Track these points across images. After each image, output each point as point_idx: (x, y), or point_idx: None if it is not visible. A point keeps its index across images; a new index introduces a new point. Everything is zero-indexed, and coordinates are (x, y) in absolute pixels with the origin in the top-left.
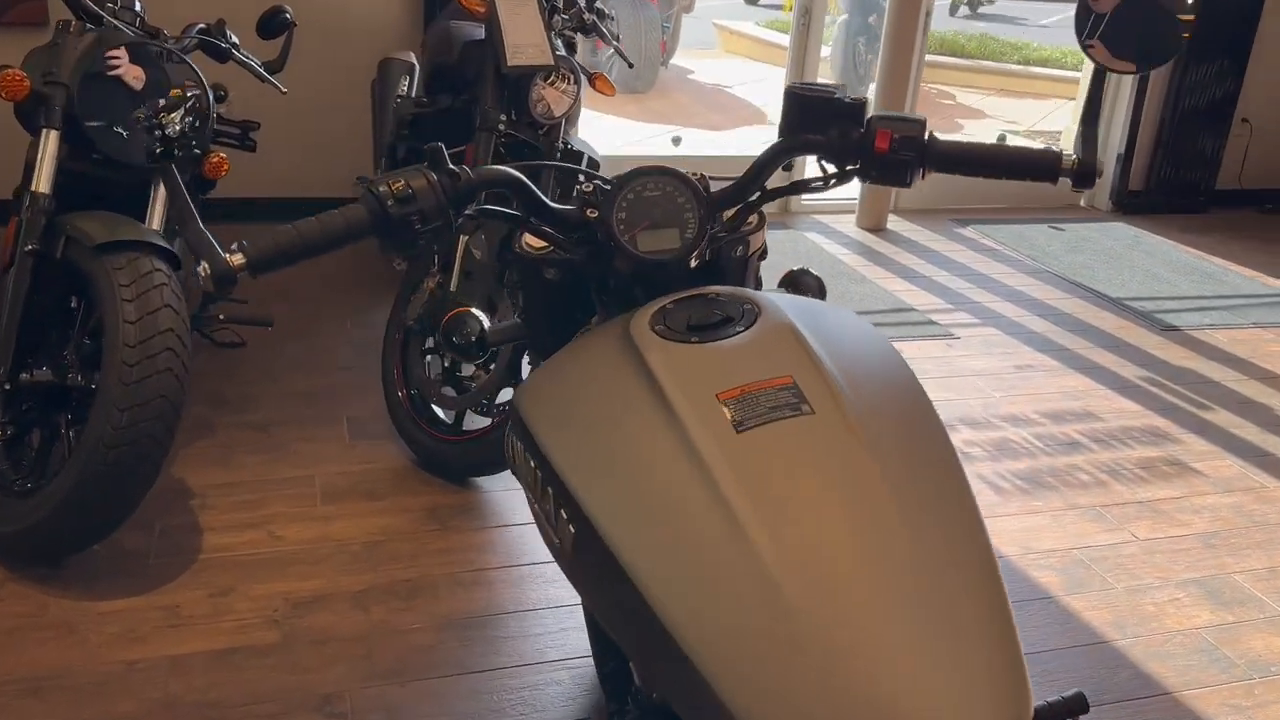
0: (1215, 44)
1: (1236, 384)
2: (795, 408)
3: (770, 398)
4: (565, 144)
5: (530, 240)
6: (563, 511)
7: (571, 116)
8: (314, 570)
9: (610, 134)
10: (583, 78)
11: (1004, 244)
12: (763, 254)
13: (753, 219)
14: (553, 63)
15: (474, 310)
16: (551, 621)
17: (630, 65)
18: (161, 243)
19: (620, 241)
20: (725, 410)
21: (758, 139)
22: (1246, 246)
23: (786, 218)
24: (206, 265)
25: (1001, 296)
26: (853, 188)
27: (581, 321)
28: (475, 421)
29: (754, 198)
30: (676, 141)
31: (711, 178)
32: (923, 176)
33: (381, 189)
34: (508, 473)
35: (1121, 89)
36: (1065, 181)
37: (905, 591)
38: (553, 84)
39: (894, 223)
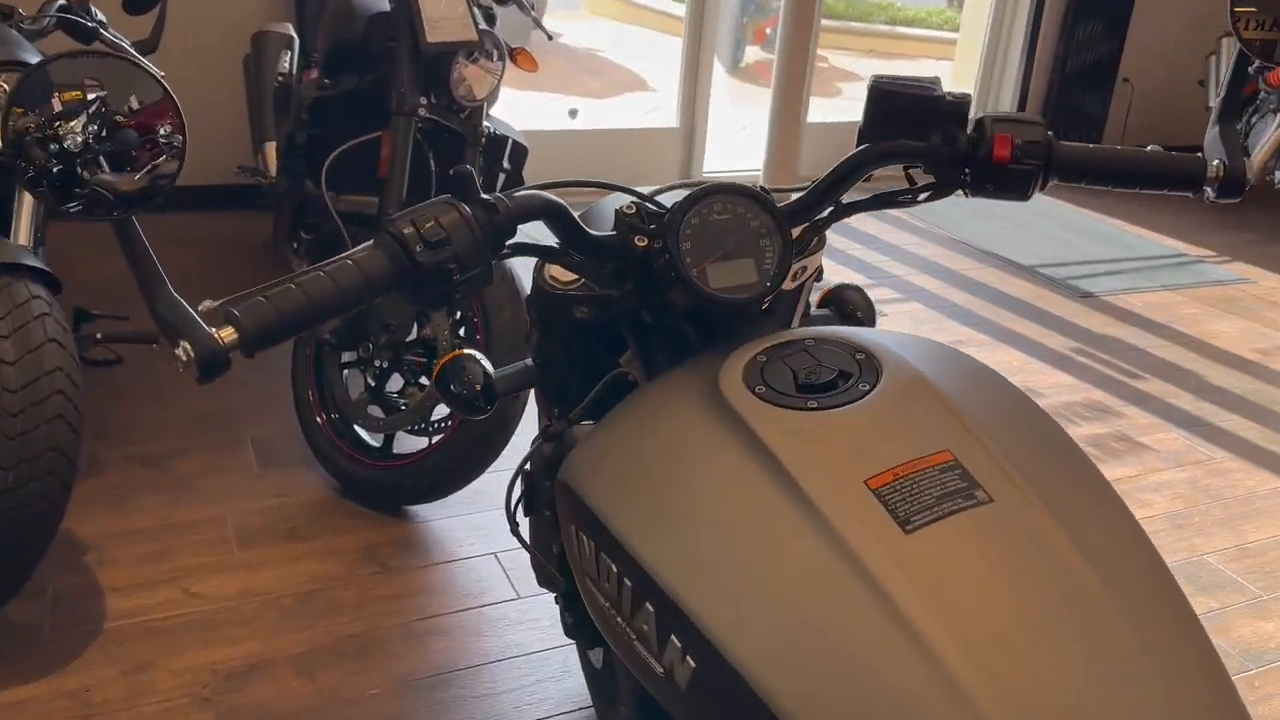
0: (1097, 4)
1: (1162, 350)
2: (968, 494)
3: (933, 482)
4: (488, 128)
5: (556, 273)
6: (674, 637)
7: (491, 97)
8: (244, 632)
9: (496, 109)
10: (506, 54)
11: (909, 213)
12: (818, 277)
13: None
14: (476, 38)
15: (472, 353)
16: (524, 671)
17: (550, 37)
18: (37, 263)
19: (690, 278)
20: (881, 502)
21: (643, 107)
22: (1137, 206)
23: None
24: (189, 346)
25: (920, 269)
26: (756, 155)
27: (607, 363)
28: (407, 443)
29: (826, 213)
30: (573, 114)
31: (773, 189)
32: (1042, 188)
33: (406, 230)
34: (448, 499)
35: (1010, 52)
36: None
37: (1150, 695)
38: (476, 61)
39: None
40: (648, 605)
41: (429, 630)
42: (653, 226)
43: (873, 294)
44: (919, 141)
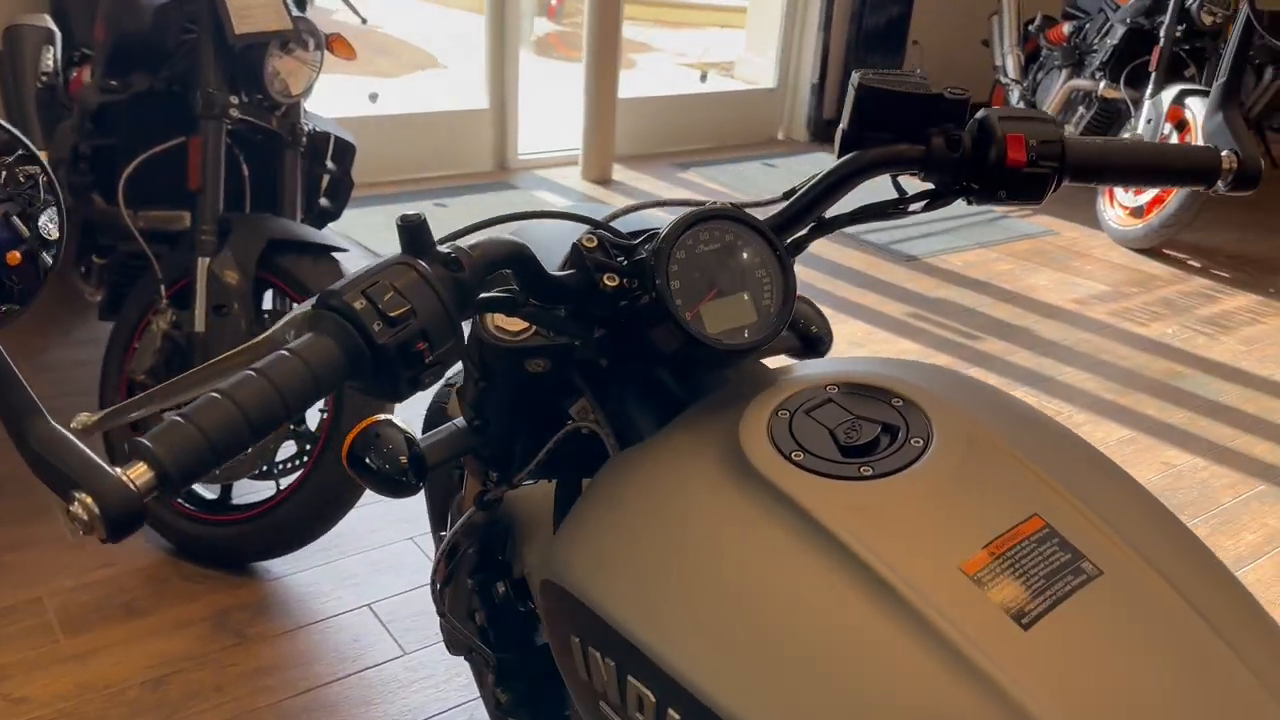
0: None
1: (991, 308)
2: (1075, 568)
3: (1033, 557)
4: (307, 126)
5: (501, 322)
6: None
7: (308, 91)
8: None
9: None
10: (323, 42)
11: (729, 186)
12: None
13: None
14: (291, 26)
15: (388, 417)
16: None
17: (363, 21)
18: None
19: (686, 324)
20: (984, 591)
21: (438, 86)
22: None
23: (503, 175)
24: (88, 499)
25: None
26: (573, 133)
27: (549, 415)
28: (252, 489)
29: (805, 231)
30: (374, 98)
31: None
32: (1055, 190)
33: (358, 304)
34: (304, 550)
35: (809, 17)
36: (789, 123)
37: None
38: (291, 52)
39: (617, 171)
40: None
41: (308, 706)
42: (621, 261)
43: None
44: (915, 145)
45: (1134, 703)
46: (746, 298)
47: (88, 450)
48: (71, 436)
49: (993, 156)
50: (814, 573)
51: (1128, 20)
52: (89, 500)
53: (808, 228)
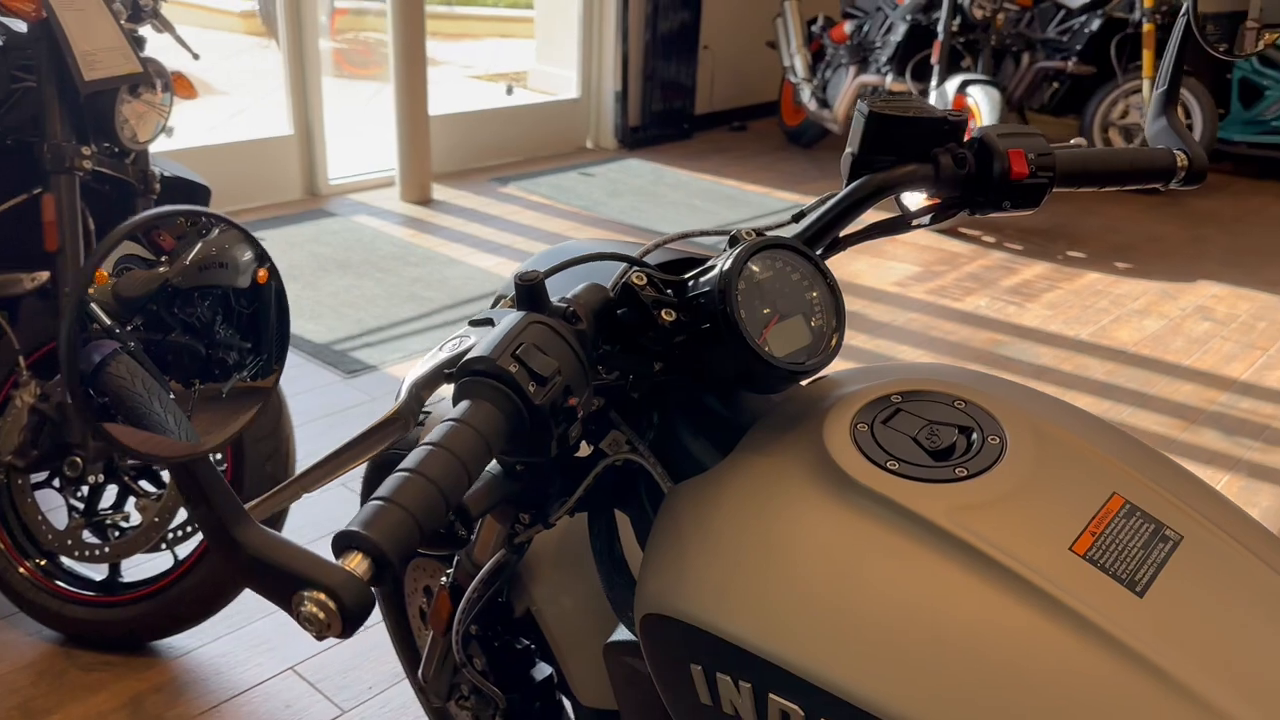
0: None
1: None
2: (1162, 536)
3: (1127, 532)
4: (159, 172)
5: None
6: None
7: (155, 135)
8: None
9: None
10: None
11: (551, 198)
12: None
13: None
14: (140, 69)
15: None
16: None
17: (195, 57)
18: None
19: (761, 351)
20: (1098, 567)
21: (223, 112)
22: (742, 165)
23: (315, 202)
24: (322, 597)
25: None
26: (389, 155)
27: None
28: (143, 564)
29: (822, 250)
30: (169, 133)
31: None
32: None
33: (512, 368)
34: (215, 618)
35: (605, 27)
36: (596, 132)
37: None
38: (139, 96)
39: (437, 190)
40: None
41: None
42: (671, 295)
43: None
44: (922, 163)
45: (1244, 648)
46: (801, 320)
47: (307, 549)
48: (285, 537)
49: (997, 171)
50: (940, 571)
51: (907, 17)
52: (322, 597)
53: (823, 247)
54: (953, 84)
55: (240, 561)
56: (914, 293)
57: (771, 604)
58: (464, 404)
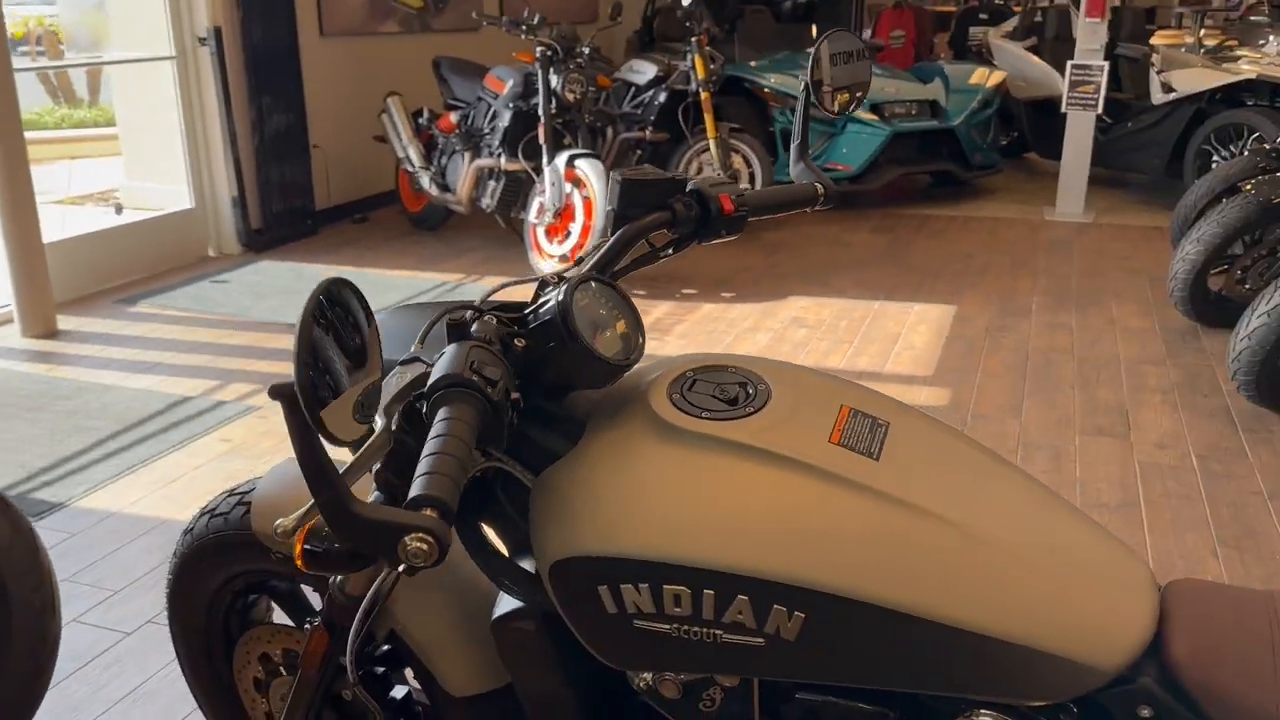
0: (272, 81)
1: None
2: (876, 425)
3: (859, 425)
4: None
5: None
6: (777, 605)
7: None
8: None
9: None
10: None
11: (191, 309)
12: None
13: None
14: None
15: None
16: None
17: None
18: None
19: (602, 356)
20: (847, 448)
21: None
22: (376, 254)
23: None
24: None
25: (260, 356)
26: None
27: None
28: None
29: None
30: None
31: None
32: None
33: (474, 378)
34: None
35: (211, 136)
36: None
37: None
38: None
39: (62, 320)
40: (740, 597)
41: None
42: (518, 328)
43: (233, 396)
44: (662, 211)
45: (943, 476)
46: (614, 331)
47: (396, 508)
48: (379, 504)
49: (714, 210)
50: (754, 471)
51: (510, 105)
52: (423, 536)
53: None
54: (562, 159)
55: (356, 526)
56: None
57: (648, 523)
58: (443, 409)
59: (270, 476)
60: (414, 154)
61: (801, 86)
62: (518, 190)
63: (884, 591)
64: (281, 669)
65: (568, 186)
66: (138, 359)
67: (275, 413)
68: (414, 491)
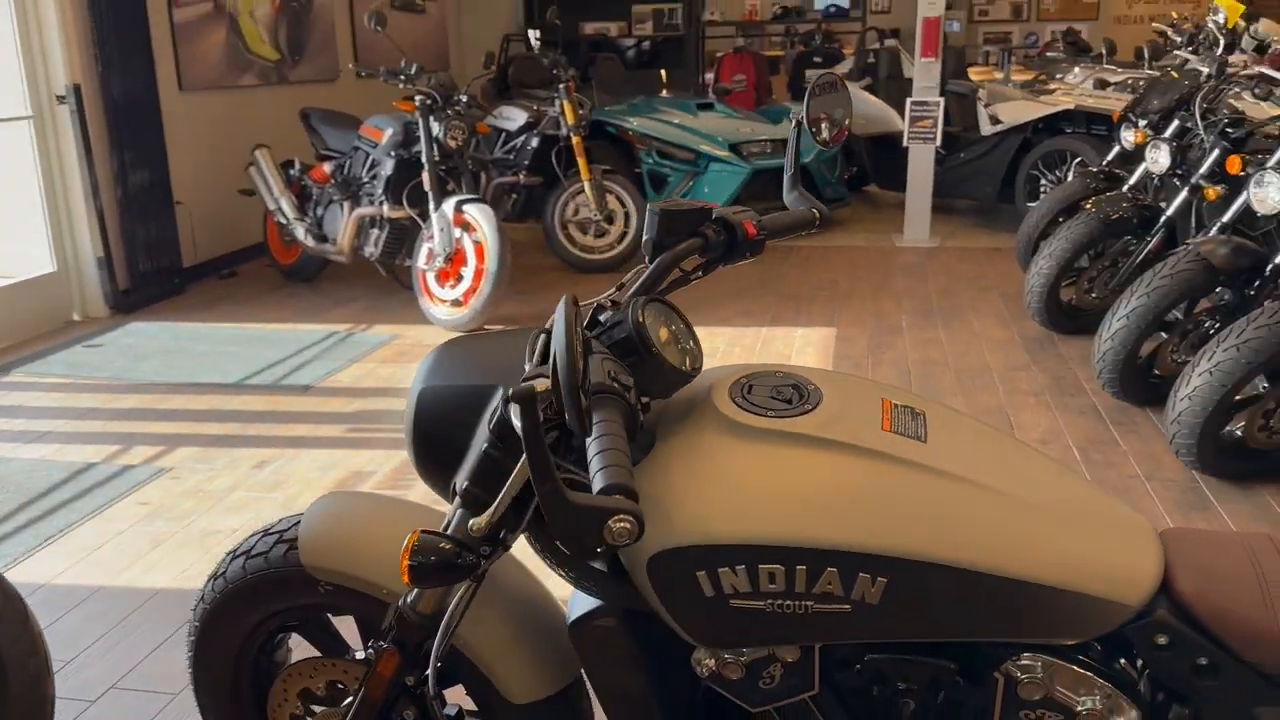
0: (134, 135)
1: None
2: (915, 414)
3: (901, 415)
4: None
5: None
6: (862, 574)
7: None
8: None
9: None
10: None
11: (73, 376)
12: None
13: None
14: None
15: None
16: None
17: None
18: None
19: (677, 369)
20: (897, 435)
21: None
22: (252, 307)
23: None
24: (627, 516)
25: (155, 419)
26: None
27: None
28: None
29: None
30: None
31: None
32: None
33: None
34: None
35: (71, 196)
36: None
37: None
38: None
39: None
40: (829, 569)
41: None
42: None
43: (169, 455)
44: (695, 238)
45: (979, 452)
46: (674, 343)
47: (600, 496)
48: (587, 494)
49: (740, 235)
50: (822, 458)
51: (392, 153)
52: (625, 517)
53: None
54: (450, 205)
55: (570, 512)
56: None
57: (739, 511)
58: (597, 413)
59: (315, 511)
60: (287, 206)
61: (794, 124)
62: (402, 237)
63: (951, 552)
64: (322, 703)
65: (457, 231)
66: (24, 429)
67: (190, 474)
68: (603, 482)
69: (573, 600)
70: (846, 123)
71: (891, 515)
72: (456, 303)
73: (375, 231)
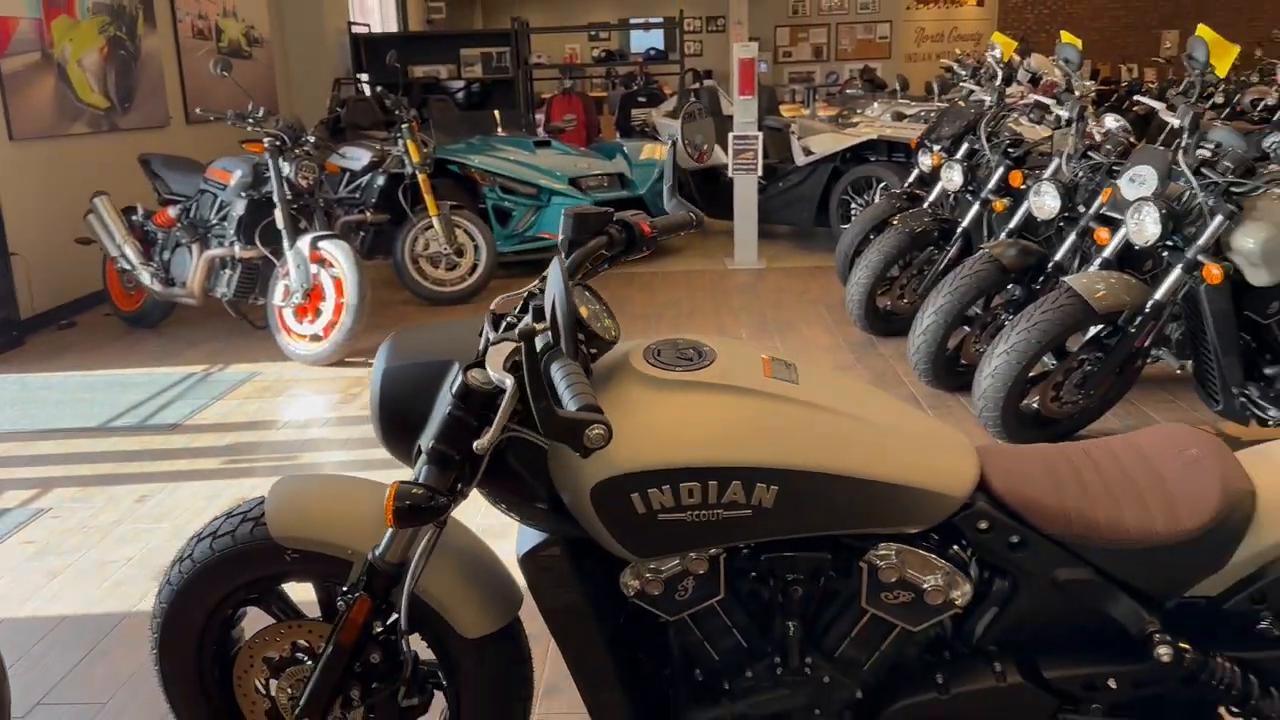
0: None
1: (289, 434)
2: (787, 365)
3: (778, 368)
4: None
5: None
6: (759, 484)
7: None
8: None
9: None
10: None
11: None
12: None
13: None
14: None
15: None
16: None
17: None
18: None
19: (604, 337)
20: (775, 379)
21: None
22: (99, 354)
23: None
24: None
25: (18, 465)
26: None
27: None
28: None
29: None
30: None
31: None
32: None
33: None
34: None
35: None
36: None
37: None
38: None
39: None
40: (734, 482)
41: None
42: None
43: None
44: (600, 236)
45: (839, 390)
46: (596, 318)
47: (579, 412)
48: (575, 412)
49: (638, 234)
50: (723, 398)
51: (242, 194)
52: (602, 424)
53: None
54: (304, 242)
55: (559, 423)
56: (358, 410)
57: (663, 442)
58: (556, 363)
59: (277, 491)
60: (130, 252)
61: (670, 144)
62: (255, 277)
63: (825, 461)
64: (285, 666)
65: (314, 267)
66: None
67: (71, 513)
68: (576, 404)
69: (520, 538)
70: (705, 147)
71: (778, 438)
72: (316, 337)
73: (227, 272)
